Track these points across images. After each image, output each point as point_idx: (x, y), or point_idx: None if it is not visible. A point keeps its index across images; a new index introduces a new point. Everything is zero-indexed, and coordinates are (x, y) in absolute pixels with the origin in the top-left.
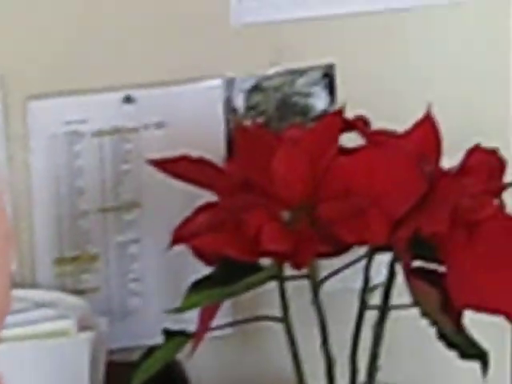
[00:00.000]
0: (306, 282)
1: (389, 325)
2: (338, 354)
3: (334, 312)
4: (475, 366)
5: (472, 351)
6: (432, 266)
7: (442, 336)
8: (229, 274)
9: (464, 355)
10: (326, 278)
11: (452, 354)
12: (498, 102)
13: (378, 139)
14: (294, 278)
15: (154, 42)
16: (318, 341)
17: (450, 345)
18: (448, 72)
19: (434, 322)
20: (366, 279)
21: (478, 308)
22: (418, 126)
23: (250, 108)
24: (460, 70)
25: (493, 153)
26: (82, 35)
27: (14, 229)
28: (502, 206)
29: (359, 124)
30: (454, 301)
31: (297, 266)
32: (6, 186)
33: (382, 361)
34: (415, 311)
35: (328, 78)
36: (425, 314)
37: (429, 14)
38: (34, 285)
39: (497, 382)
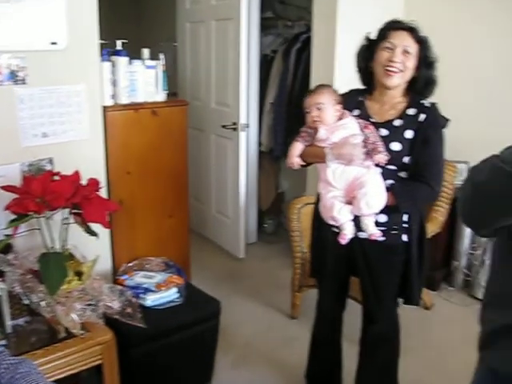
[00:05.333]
0: None
1: None
2: None
3: None
4: None
5: None
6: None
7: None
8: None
9: None
10: (51, 216)
11: None
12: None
13: (62, 176)
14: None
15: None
16: None
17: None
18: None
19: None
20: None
21: (90, 221)
22: (73, 174)
23: None
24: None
25: (95, 180)
26: None
27: None
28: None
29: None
30: (86, 218)
31: (50, 210)
32: None
33: None
34: None
35: None
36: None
37: None
38: None
39: None
